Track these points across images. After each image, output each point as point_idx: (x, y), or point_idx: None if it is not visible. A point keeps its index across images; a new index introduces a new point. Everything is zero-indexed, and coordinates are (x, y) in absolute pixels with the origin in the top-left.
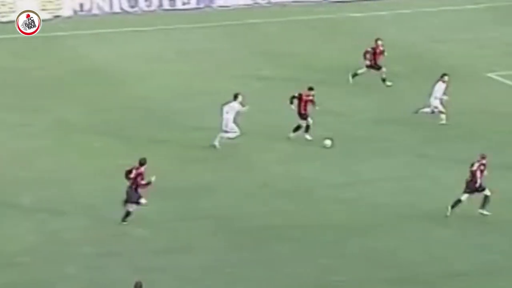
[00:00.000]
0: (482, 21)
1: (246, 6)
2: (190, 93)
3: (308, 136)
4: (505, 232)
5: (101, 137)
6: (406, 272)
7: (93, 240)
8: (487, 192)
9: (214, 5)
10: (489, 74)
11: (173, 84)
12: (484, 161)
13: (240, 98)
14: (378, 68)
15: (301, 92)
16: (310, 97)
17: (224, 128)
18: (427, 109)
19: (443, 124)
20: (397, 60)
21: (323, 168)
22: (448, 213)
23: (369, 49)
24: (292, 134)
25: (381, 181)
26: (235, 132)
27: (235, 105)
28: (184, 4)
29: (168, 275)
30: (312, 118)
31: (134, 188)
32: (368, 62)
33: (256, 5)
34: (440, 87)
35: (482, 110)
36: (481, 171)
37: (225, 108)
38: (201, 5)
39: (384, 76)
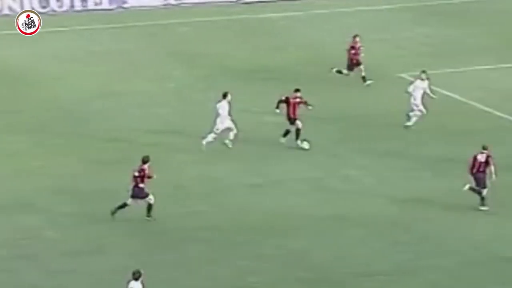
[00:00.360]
0: (398, 21)
1: (159, 7)
2: (105, 94)
3: (299, 142)
4: (418, 232)
5: (15, 139)
6: (321, 272)
7: (4, 243)
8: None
9: (126, 6)
10: (402, 74)
11: (87, 85)
12: (487, 152)
13: (229, 97)
14: (357, 64)
15: (288, 95)
16: (297, 99)
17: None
18: (414, 113)
19: (407, 126)
20: (312, 61)
21: (237, 169)
22: (484, 208)
23: (350, 47)
24: (282, 139)
25: (295, 181)
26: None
27: (224, 104)
28: (96, 4)
29: (80, 278)
30: (302, 122)
31: (139, 185)
32: (354, 61)
33: (168, 5)
34: (417, 85)
35: (395, 110)
36: (487, 163)
37: (217, 107)
38: (113, 6)
39: (363, 74)
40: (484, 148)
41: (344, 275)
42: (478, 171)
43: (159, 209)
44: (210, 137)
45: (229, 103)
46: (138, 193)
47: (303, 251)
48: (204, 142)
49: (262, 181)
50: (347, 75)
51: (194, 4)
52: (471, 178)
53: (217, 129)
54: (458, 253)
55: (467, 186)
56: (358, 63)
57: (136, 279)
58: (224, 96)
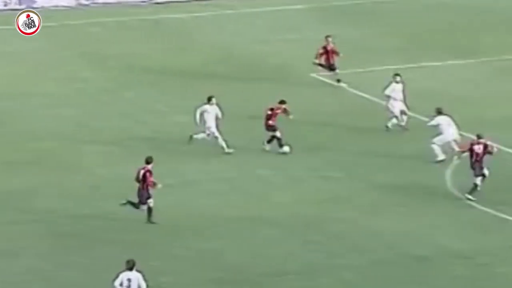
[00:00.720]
0: (307, 21)
1: (67, 7)
2: (14, 95)
3: (283, 148)
4: (330, 231)
5: None
6: (234, 272)
7: None
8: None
9: (35, 6)
10: (313, 75)
11: None
12: (484, 141)
13: (214, 100)
14: (332, 69)
15: (273, 106)
16: (279, 110)
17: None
18: (394, 116)
19: (387, 127)
20: (220, 61)
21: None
22: (471, 197)
23: (321, 49)
24: (267, 147)
25: (208, 182)
26: (206, 134)
27: (208, 107)
28: (6, 5)
29: None
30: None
31: (145, 187)
32: (317, 61)
33: (80, 5)
34: (393, 88)
35: (306, 110)
36: (484, 152)
37: (201, 110)
38: (23, 6)
39: (337, 77)
40: (480, 137)
41: (257, 275)
42: (476, 161)
43: (72, 210)
44: (201, 136)
45: (216, 106)
46: (143, 195)
47: (216, 252)
48: (196, 136)
49: (174, 182)
50: (336, 74)
51: (105, 4)
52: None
53: (211, 132)
54: (370, 252)
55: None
56: (332, 68)
57: (131, 269)
58: (209, 99)
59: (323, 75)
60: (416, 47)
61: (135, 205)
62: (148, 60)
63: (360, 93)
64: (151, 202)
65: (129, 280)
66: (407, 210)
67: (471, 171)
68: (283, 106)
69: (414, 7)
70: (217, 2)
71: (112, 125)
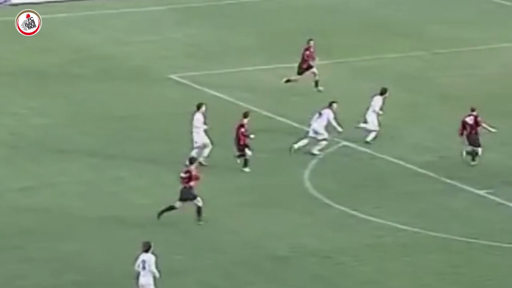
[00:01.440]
0: (164, 22)
1: None
2: None
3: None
4: (189, 231)
5: None
6: (94, 274)
7: None
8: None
9: None
10: (171, 76)
11: None
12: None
13: (203, 108)
14: (307, 68)
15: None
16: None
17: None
18: (365, 125)
19: (367, 142)
20: (79, 63)
21: (7, 172)
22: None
23: (306, 52)
24: (238, 161)
25: (67, 184)
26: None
27: (199, 116)
28: None
29: None
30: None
31: (187, 186)
32: (305, 65)
33: None
34: (377, 101)
35: (164, 111)
36: (477, 123)
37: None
38: None
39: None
40: (472, 109)
41: (119, 277)
42: (470, 133)
43: None
44: (194, 152)
45: (204, 114)
46: (186, 195)
47: (76, 254)
48: (201, 159)
49: (34, 184)
50: (295, 81)
51: None
52: (465, 140)
53: (196, 143)
54: (229, 252)
55: (464, 153)
56: (308, 67)
57: (147, 251)
58: (198, 107)
59: (181, 76)
60: (276, 48)
61: (169, 209)
62: (5, 61)
63: (218, 94)
64: (199, 201)
65: (143, 261)
66: (266, 210)
67: (466, 143)
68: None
69: (273, 6)
70: (76, 3)
71: None
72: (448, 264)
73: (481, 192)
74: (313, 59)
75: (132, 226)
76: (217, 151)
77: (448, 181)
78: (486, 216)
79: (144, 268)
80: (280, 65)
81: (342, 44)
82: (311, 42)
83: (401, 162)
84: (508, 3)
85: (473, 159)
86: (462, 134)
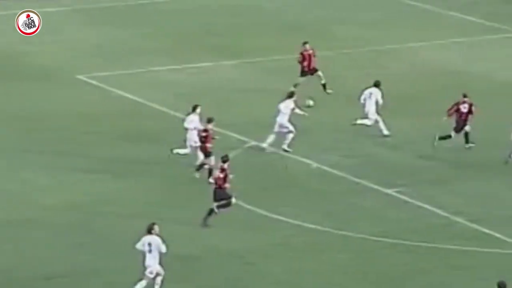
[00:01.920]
0: (70, 23)
1: None
2: None
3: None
4: (98, 233)
5: None
6: (1, 276)
7: None
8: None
9: None
10: (79, 76)
11: None
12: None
13: (198, 109)
14: (311, 71)
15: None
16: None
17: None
18: (366, 121)
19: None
20: None
21: None
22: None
23: (300, 54)
24: (196, 174)
25: None
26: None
27: (194, 118)
28: None
29: None
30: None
31: (222, 186)
32: (307, 68)
33: None
34: (377, 93)
35: (72, 111)
36: (469, 112)
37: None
38: None
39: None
40: (465, 96)
41: (25, 278)
42: (460, 118)
43: None
44: (182, 151)
45: (199, 115)
46: (221, 196)
47: None
48: (177, 151)
49: None
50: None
51: None
52: (452, 120)
53: (196, 143)
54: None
55: (436, 137)
56: (313, 70)
57: (150, 232)
58: (194, 109)
59: (88, 76)
60: (184, 48)
61: (210, 213)
62: None
63: (125, 95)
64: (233, 201)
65: (149, 244)
66: (175, 210)
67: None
68: (210, 126)
69: (178, 6)
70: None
71: None
72: (357, 263)
73: (389, 191)
74: (305, 60)
75: (38, 227)
76: (122, 153)
77: (357, 180)
78: (394, 215)
79: (150, 251)
80: (188, 65)
81: (251, 44)
82: (307, 46)
83: (310, 162)
84: (417, 4)
85: (467, 142)
86: (450, 115)
